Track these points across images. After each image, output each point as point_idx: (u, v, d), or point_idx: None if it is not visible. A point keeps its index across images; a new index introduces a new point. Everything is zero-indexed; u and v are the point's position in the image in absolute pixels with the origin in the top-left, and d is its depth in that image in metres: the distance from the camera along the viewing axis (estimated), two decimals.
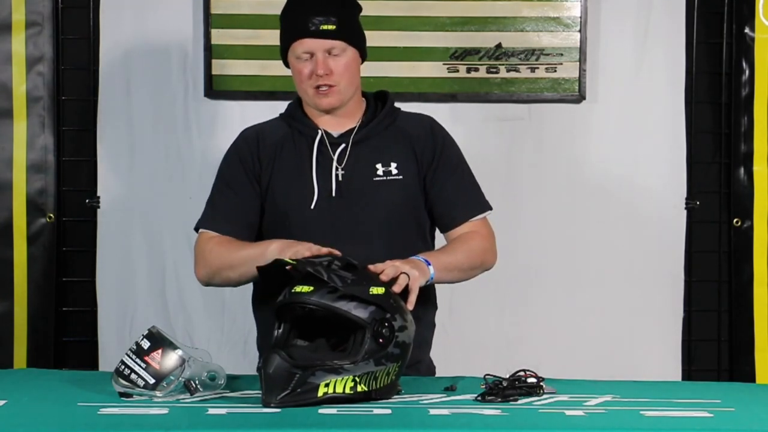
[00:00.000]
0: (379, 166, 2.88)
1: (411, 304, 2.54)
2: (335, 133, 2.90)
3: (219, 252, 2.85)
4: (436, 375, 2.94)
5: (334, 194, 2.85)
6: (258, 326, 2.99)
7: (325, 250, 2.58)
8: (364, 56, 2.92)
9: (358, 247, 2.68)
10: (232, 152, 2.96)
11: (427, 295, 2.82)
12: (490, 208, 2.96)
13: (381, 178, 2.87)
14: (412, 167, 2.89)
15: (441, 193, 2.91)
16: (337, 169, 2.86)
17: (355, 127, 2.91)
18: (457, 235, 2.91)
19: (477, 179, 3.01)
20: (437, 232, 3.01)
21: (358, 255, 2.54)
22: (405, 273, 2.56)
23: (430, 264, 2.70)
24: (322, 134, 2.88)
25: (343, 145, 2.88)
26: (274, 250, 2.69)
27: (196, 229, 2.93)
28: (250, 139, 2.95)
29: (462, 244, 2.88)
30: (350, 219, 2.83)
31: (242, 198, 2.90)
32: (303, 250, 2.62)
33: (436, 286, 2.93)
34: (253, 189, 2.90)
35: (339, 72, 2.84)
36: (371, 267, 2.55)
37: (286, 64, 2.93)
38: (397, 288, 2.51)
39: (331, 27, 2.82)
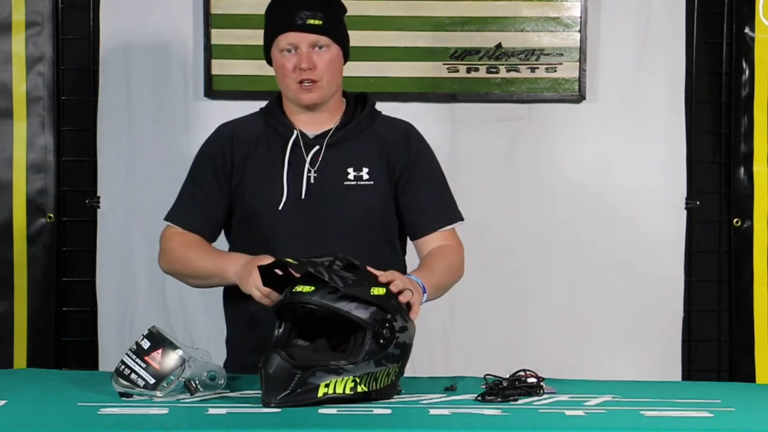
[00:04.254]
0: (350, 170, 2.86)
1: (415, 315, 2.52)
2: (311, 133, 2.88)
3: (181, 254, 2.86)
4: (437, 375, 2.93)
5: (303, 197, 2.83)
6: (227, 323, 2.99)
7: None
8: (347, 56, 2.91)
9: (325, 250, 2.60)
10: (204, 149, 2.96)
11: None
12: (462, 219, 2.93)
13: (351, 183, 2.85)
14: (384, 173, 2.87)
15: (412, 200, 2.89)
16: (308, 171, 2.85)
17: (331, 128, 2.89)
18: (428, 245, 2.88)
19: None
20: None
21: None
22: (409, 290, 2.51)
23: (425, 291, 2.65)
24: (297, 135, 2.87)
25: (317, 147, 2.86)
26: (234, 276, 2.72)
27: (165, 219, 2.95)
28: (225, 136, 2.93)
29: (441, 261, 2.83)
30: (318, 222, 2.82)
31: (208, 196, 2.89)
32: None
33: None
34: (219, 187, 2.89)
35: (323, 67, 2.83)
36: (382, 277, 2.51)
37: (269, 61, 2.91)
38: (402, 299, 2.47)
39: (317, 22, 2.82)
